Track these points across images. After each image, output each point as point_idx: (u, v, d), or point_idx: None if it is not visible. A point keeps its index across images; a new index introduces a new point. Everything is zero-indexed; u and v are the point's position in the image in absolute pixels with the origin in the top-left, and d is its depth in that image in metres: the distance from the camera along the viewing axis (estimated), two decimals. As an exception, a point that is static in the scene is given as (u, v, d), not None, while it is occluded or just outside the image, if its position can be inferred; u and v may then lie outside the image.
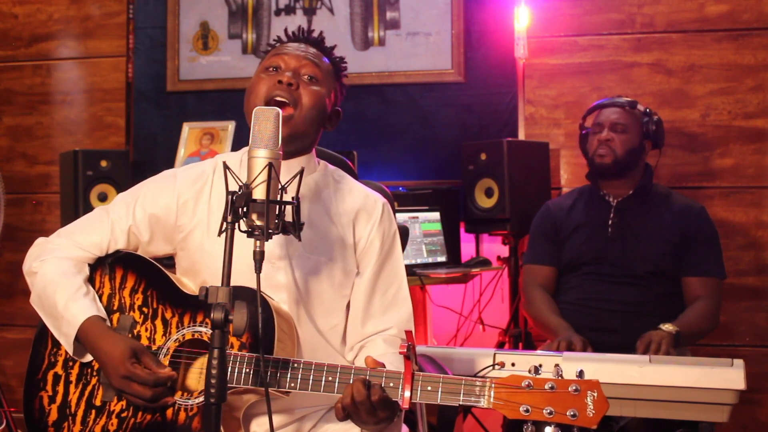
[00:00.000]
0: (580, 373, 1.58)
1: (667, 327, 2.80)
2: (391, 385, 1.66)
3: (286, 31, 1.99)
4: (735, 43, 3.62)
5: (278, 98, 1.84)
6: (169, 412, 1.78)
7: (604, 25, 3.75)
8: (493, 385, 1.60)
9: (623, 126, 3.05)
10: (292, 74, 1.87)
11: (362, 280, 1.95)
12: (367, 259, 1.95)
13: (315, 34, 2.00)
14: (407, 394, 1.63)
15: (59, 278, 1.85)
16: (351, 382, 1.66)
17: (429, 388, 1.64)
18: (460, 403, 1.62)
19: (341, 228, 1.94)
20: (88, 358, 1.84)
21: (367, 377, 1.66)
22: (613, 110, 3.09)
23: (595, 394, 1.55)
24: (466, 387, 1.62)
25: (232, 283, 1.71)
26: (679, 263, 2.98)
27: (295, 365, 1.70)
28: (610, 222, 3.05)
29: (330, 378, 1.69)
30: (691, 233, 2.98)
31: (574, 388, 1.56)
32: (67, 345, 1.83)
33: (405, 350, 1.63)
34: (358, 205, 1.96)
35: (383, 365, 1.70)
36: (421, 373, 1.65)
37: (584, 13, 3.77)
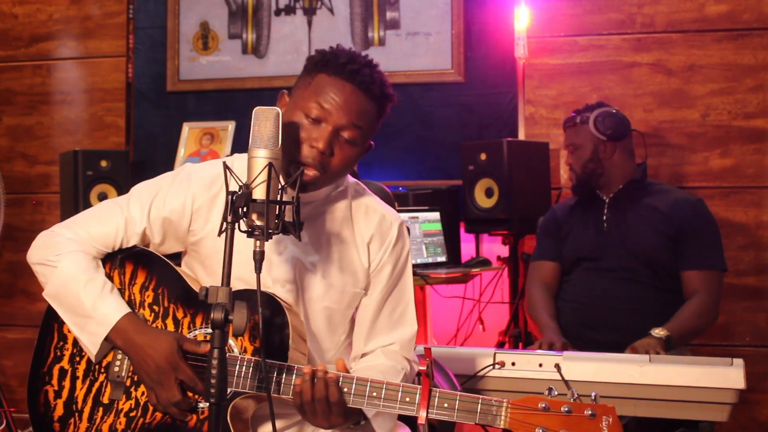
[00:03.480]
0: (595, 397, 1.59)
1: (658, 333, 2.80)
2: (408, 399, 1.67)
3: (344, 66, 1.80)
4: (735, 43, 3.62)
5: (306, 163, 1.77)
6: None
7: (604, 25, 3.76)
8: (509, 405, 1.61)
9: (574, 146, 3.14)
10: (329, 139, 1.77)
11: (370, 300, 1.94)
12: (378, 280, 1.94)
13: (362, 61, 1.84)
14: (423, 414, 1.64)
15: (80, 274, 1.82)
16: (366, 394, 1.68)
17: (446, 405, 1.65)
18: (477, 422, 1.63)
19: (356, 250, 1.92)
20: (100, 357, 1.83)
21: (384, 390, 1.67)
22: (567, 133, 3.19)
23: (610, 420, 1.57)
24: (483, 406, 1.63)
25: (244, 287, 1.71)
26: (677, 257, 2.98)
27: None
28: (604, 217, 3.08)
29: (345, 389, 1.69)
30: (687, 226, 2.98)
31: (590, 412, 1.57)
32: (92, 344, 1.80)
33: (425, 367, 1.63)
34: (374, 228, 1.94)
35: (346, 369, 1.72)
36: (438, 390, 1.66)
37: (584, 13, 3.77)
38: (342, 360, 1.73)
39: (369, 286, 1.94)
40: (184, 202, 1.88)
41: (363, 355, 1.95)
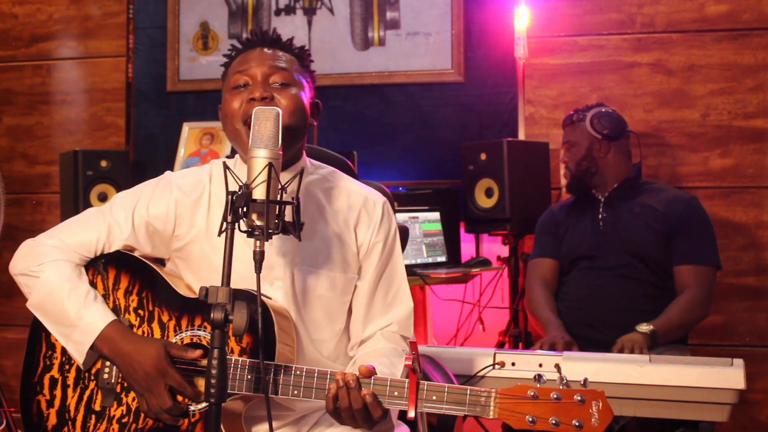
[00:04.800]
0: (585, 382, 1.58)
1: (643, 328, 2.82)
2: (396, 394, 1.66)
3: (239, 39, 1.94)
4: (735, 43, 3.62)
5: None
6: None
7: (604, 25, 3.75)
8: (498, 395, 1.60)
9: (569, 143, 3.19)
10: (262, 87, 1.83)
11: (364, 283, 1.94)
12: (369, 262, 1.94)
13: (272, 33, 1.94)
14: (411, 414, 1.63)
15: (64, 283, 1.82)
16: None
17: (434, 397, 1.64)
18: (466, 413, 1.62)
19: (343, 234, 1.92)
20: (88, 365, 1.82)
21: (371, 386, 1.65)
22: (565, 131, 3.23)
23: (600, 404, 1.56)
24: (471, 397, 1.62)
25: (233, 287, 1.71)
26: (671, 253, 2.99)
27: (298, 372, 1.70)
28: (600, 216, 3.09)
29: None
30: (680, 222, 2.99)
31: (579, 398, 1.56)
32: (78, 353, 1.80)
33: (411, 362, 1.63)
34: (358, 209, 1.95)
35: (374, 370, 1.69)
36: (426, 382, 1.65)
37: (584, 13, 3.77)
38: (364, 366, 1.70)
39: (361, 270, 1.94)
40: (168, 207, 1.88)
41: (362, 342, 1.95)
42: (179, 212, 1.89)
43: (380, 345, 1.90)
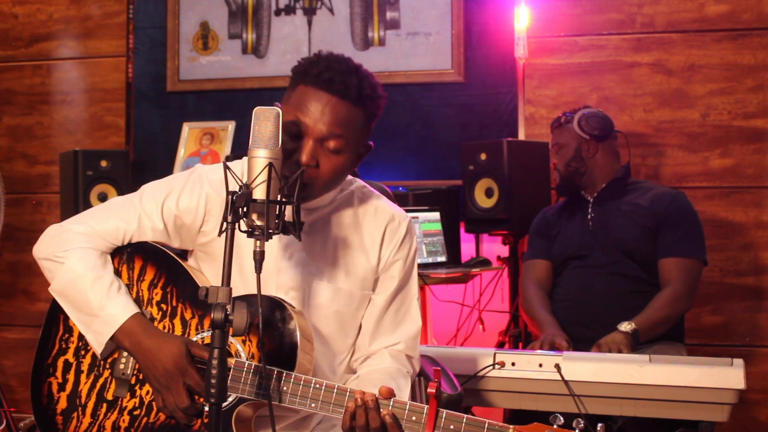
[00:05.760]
0: (602, 430, 1.57)
1: (624, 327, 2.82)
2: (414, 419, 1.65)
3: (320, 75, 1.77)
4: (735, 43, 3.62)
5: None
6: None
7: (604, 25, 3.75)
8: None
9: (558, 145, 3.22)
10: (312, 152, 1.75)
11: (378, 298, 1.94)
12: (386, 278, 1.94)
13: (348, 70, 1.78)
14: None
15: (88, 272, 1.80)
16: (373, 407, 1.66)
17: (452, 427, 1.64)
18: None
19: (364, 253, 1.92)
20: (105, 355, 1.82)
21: (390, 407, 1.65)
22: (553, 134, 3.26)
23: None
24: (488, 431, 1.62)
25: (252, 291, 1.70)
26: (656, 248, 3.00)
27: (317, 386, 1.69)
28: (589, 216, 3.11)
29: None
30: (664, 216, 3.00)
31: None
32: (97, 343, 1.79)
33: (434, 390, 1.62)
34: (384, 226, 1.94)
35: (394, 392, 1.69)
36: (445, 411, 1.64)
37: (584, 13, 3.77)
38: (385, 387, 1.68)
39: (376, 285, 1.94)
40: (198, 202, 1.87)
41: (366, 357, 1.94)
42: (209, 208, 1.87)
43: (386, 364, 1.90)
